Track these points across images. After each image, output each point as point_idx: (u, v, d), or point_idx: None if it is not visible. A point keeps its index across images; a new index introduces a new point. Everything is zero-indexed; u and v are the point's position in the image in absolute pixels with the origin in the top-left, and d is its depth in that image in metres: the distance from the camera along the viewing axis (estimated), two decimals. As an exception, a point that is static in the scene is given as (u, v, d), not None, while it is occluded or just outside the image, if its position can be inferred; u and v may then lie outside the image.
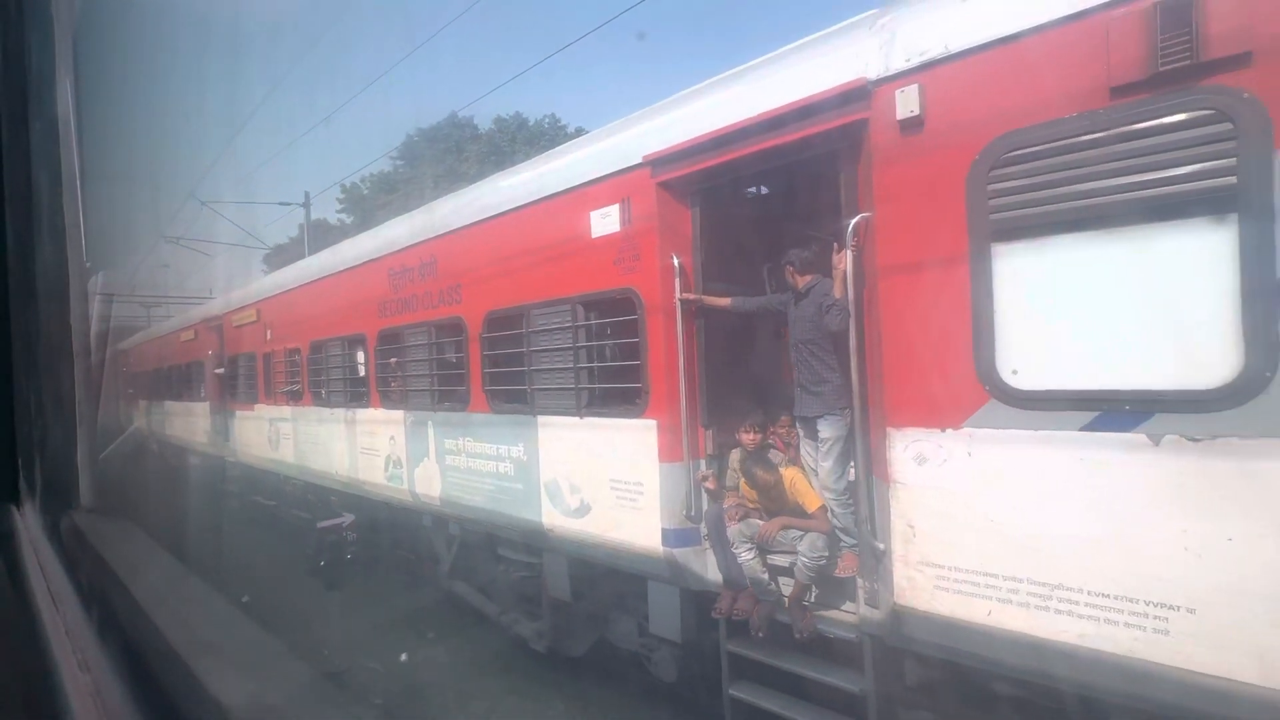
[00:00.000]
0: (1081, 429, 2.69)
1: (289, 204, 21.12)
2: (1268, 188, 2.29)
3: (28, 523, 2.62)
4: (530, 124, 33.17)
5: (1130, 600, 2.60)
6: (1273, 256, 2.29)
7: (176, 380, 15.16)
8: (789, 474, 3.93)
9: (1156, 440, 2.53)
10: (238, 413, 11.63)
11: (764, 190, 5.31)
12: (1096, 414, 2.66)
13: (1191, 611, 2.48)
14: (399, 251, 6.94)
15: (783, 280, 4.12)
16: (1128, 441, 2.59)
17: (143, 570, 2.32)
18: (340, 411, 8.21)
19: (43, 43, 2.72)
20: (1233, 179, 2.35)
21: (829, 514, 3.80)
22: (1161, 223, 2.51)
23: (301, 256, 12.42)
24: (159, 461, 16.66)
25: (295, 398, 9.36)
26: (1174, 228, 2.48)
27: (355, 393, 7.95)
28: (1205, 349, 2.43)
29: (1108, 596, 2.65)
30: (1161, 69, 2.45)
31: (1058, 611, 2.77)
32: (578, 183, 4.87)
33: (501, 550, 6.10)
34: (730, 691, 4.18)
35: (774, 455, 4.28)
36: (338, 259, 8.42)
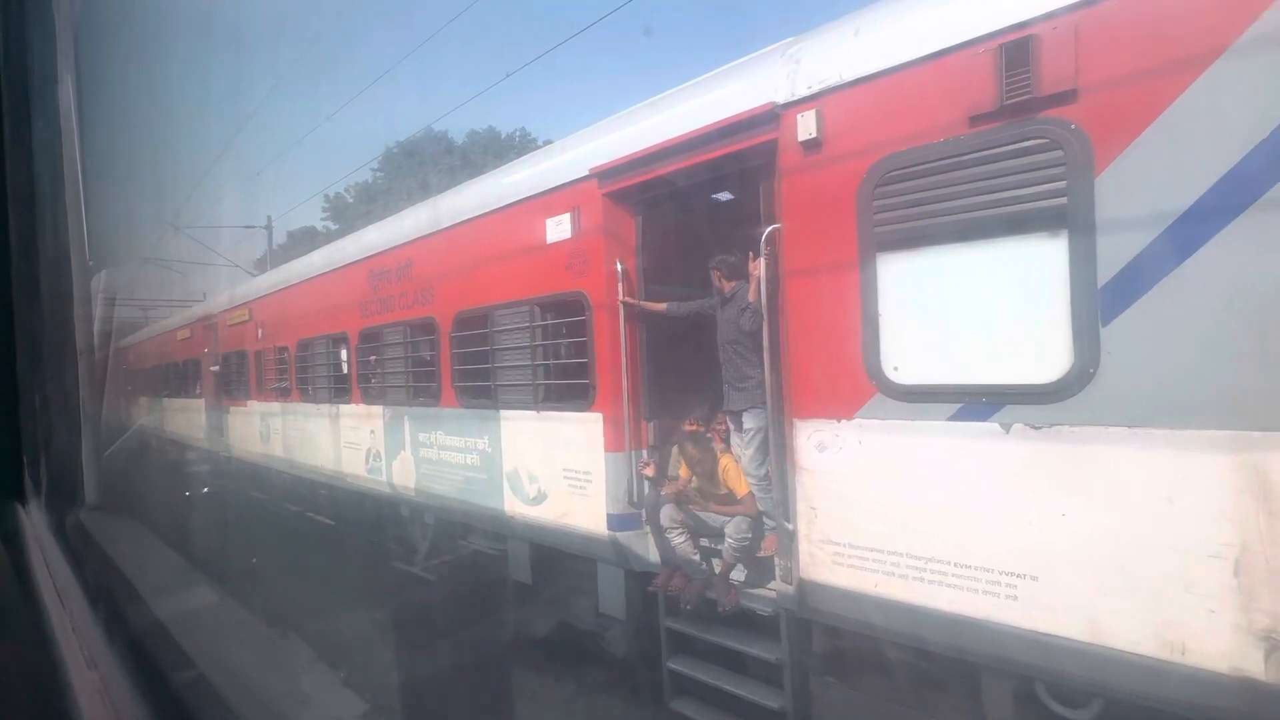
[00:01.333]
0: (948, 419, 3.03)
1: (253, 226, 21.78)
2: (1090, 208, 2.62)
3: (33, 520, 2.62)
4: (502, 136, 34.54)
5: (987, 570, 2.94)
6: (1094, 268, 2.62)
7: (174, 377, 15.57)
8: (724, 461, 4.27)
9: (1007, 428, 2.87)
10: (231, 409, 12.01)
11: (724, 197, 5.64)
12: (960, 405, 3.00)
13: (1035, 579, 2.82)
14: (378, 255, 7.30)
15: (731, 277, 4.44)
16: (984, 430, 2.93)
17: (147, 567, 2.37)
18: (325, 407, 8.58)
19: (45, 42, 2.79)
20: (1064, 199, 2.68)
21: (755, 499, 4.14)
22: (1009, 237, 2.84)
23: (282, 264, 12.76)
24: (159, 458, 17.04)
25: (284, 394, 9.74)
26: (1018, 242, 2.82)
27: (339, 389, 8.32)
28: (1043, 348, 2.77)
29: (969, 567, 2.99)
30: (1007, 102, 2.79)
31: (930, 582, 3.11)
32: (535, 192, 5.22)
33: (472, 538, 6.46)
34: (669, 664, 4.53)
35: (715, 445, 4.63)
36: (323, 260, 8.79)
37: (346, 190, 35.70)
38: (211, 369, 12.74)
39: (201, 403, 13.48)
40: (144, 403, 18.54)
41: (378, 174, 35.34)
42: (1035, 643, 2.83)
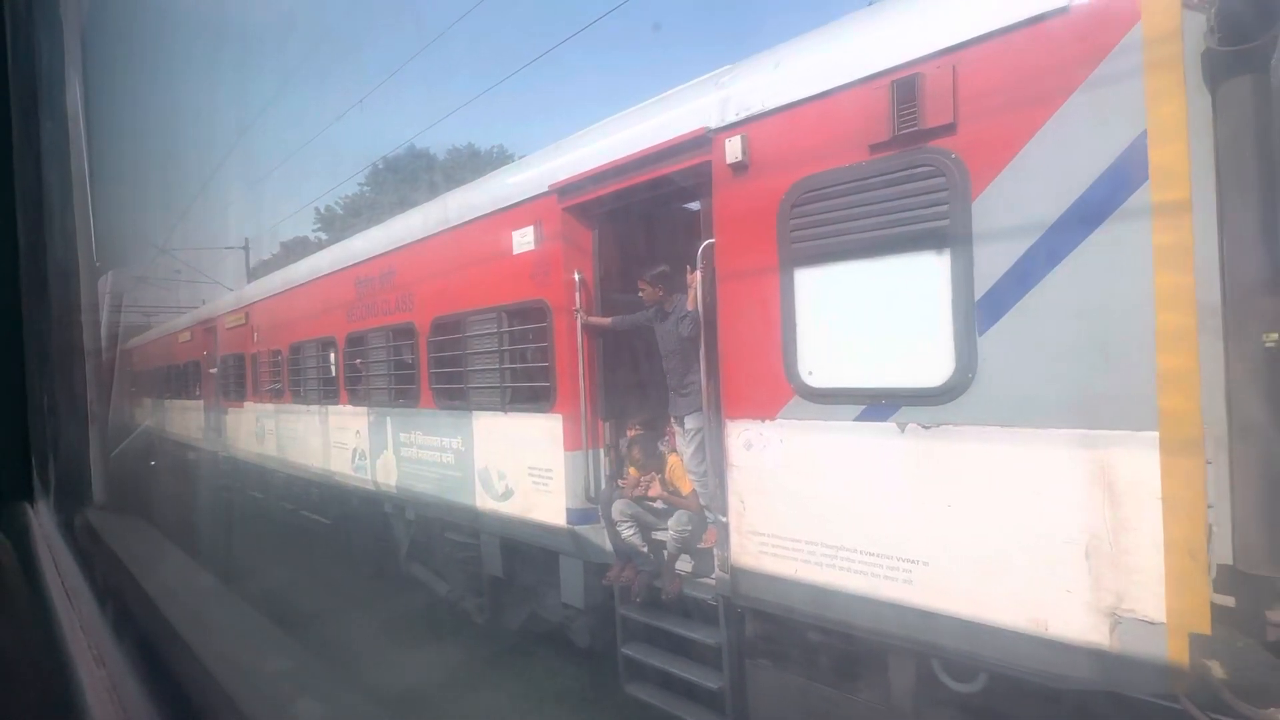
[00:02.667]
0: (854, 419, 3.33)
1: (231, 247, 22.43)
2: (968, 230, 2.92)
3: (41, 520, 2.62)
4: (481, 153, 35.70)
5: (887, 556, 3.23)
6: (971, 284, 2.92)
7: (175, 379, 15.96)
8: (671, 460, 4.58)
9: (902, 427, 3.16)
10: (229, 409, 12.37)
11: (676, 210, 5.94)
12: (864, 406, 3.29)
13: (926, 564, 3.11)
14: (363, 263, 7.64)
15: (668, 291, 4.73)
16: (884, 429, 3.22)
17: (156, 566, 2.37)
18: (315, 408, 8.92)
19: (53, 46, 2.78)
20: (946, 221, 2.98)
21: (698, 496, 4.44)
22: (903, 254, 3.14)
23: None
24: (164, 458, 17.40)
25: (278, 395, 10.09)
26: (911, 259, 3.12)
27: (327, 391, 8.65)
28: (931, 355, 3.06)
29: (873, 554, 3.28)
30: (899, 133, 3.09)
31: (840, 568, 3.40)
32: (503, 205, 5.54)
33: (449, 534, 6.78)
34: (623, 650, 4.83)
35: (663, 446, 4.93)
36: (312, 268, 9.14)
37: (336, 203, 37.26)
38: (210, 371, 13.11)
39: (201, 403, 13.84)
40: (148, 403, 18.95)
41: (364, 188, 36.97)
42: (929, 622, 3.12)
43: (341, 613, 7.60)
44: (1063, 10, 2.66)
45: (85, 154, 2.82)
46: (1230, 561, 3.06)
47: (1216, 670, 2.60)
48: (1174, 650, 2.49)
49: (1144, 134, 2.49)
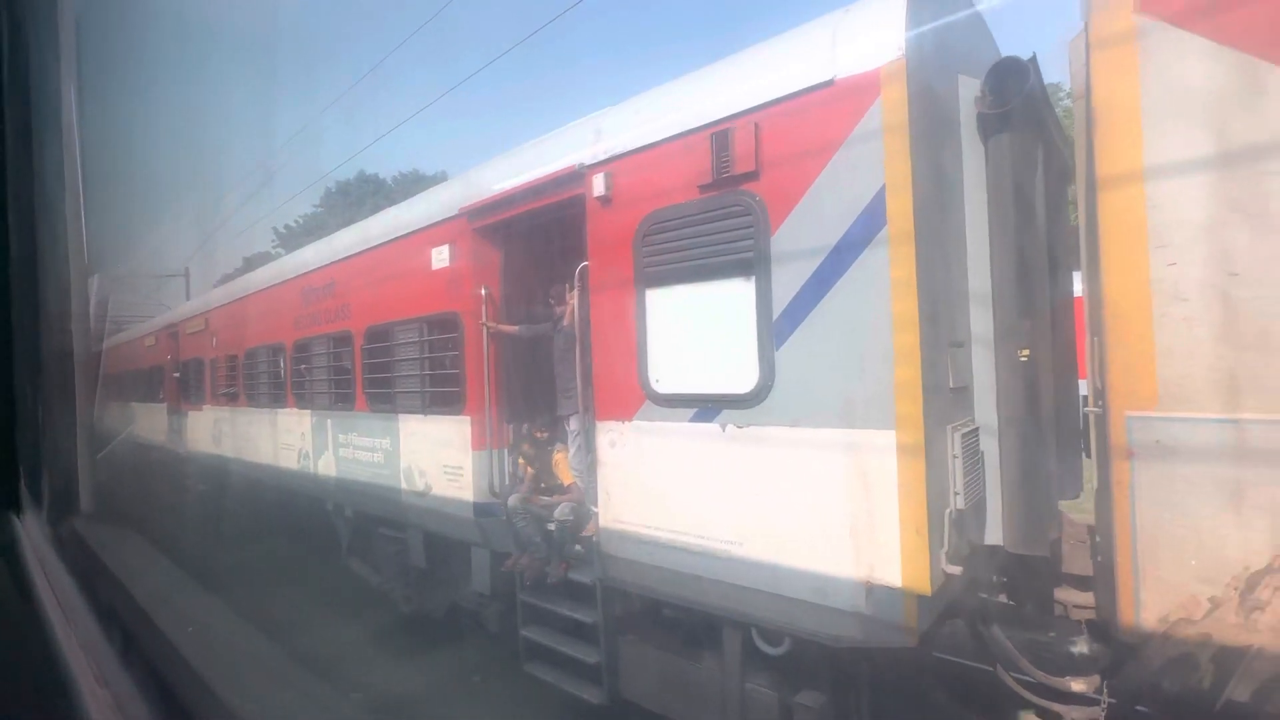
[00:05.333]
0: (689, 421, 3.85)
1: (172, 275, 22.92)
2: (768, 260, 3.46)
3: (29, 531, 2.55)
4: (426, 177, 37.03)
5: (714, 541, 3.74)
6: (770, 306, 3.45)
7: (140, 383, 16.23)
8: (557, 457, 5.07)
9: (723, 428, 3.69)
10: (189, 412, 12.71)
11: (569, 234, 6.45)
12: (696, 410, 3.82)
13: (740, 545, 3.62)
14: (310, 273, 8.09)
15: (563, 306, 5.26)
16: (709, 429, 3.74)
17: (149, 579, 2.35)
18: (266, 412, 9.33)
19: (48, 52, 2.77)
20: (752, 253, 3.51)
21: (580, 488, 4.94)
22: (723, 280, 3.67)
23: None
24: (144, 463, 17.52)
25: (234, 399, 10.47)
26: (729, 284, 3.65)
27: (276, 395, 9.07)
28: (744, 366, 3.59)
29: (703, 539, 3.79)
30: (718, 176, 3.63)
31: (681, 552, 3.91)
32: (425, 224, 6.04)
33: (382, 529, 7.22)
34: (522, 633, 5.30)
35: (549, 444, 5.44)
36: (268, 276, 9.57)
37: (296, 221, 38.38)
38: (173, 375, 13.44)
39: (165, 407, 14.14)
40: (123, 408, 19.10)
41: (318, 209, 38.25)
42: (745, 596, 3.63)
43: (288, 602, 7.97)
44: (828, 83, 3.21)
45: (79, 160, 2.83)
46: (1000, 543, 3.63)
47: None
48: (908, 611, 3.02)
49: (884, 187, 3.04)
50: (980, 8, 4.29)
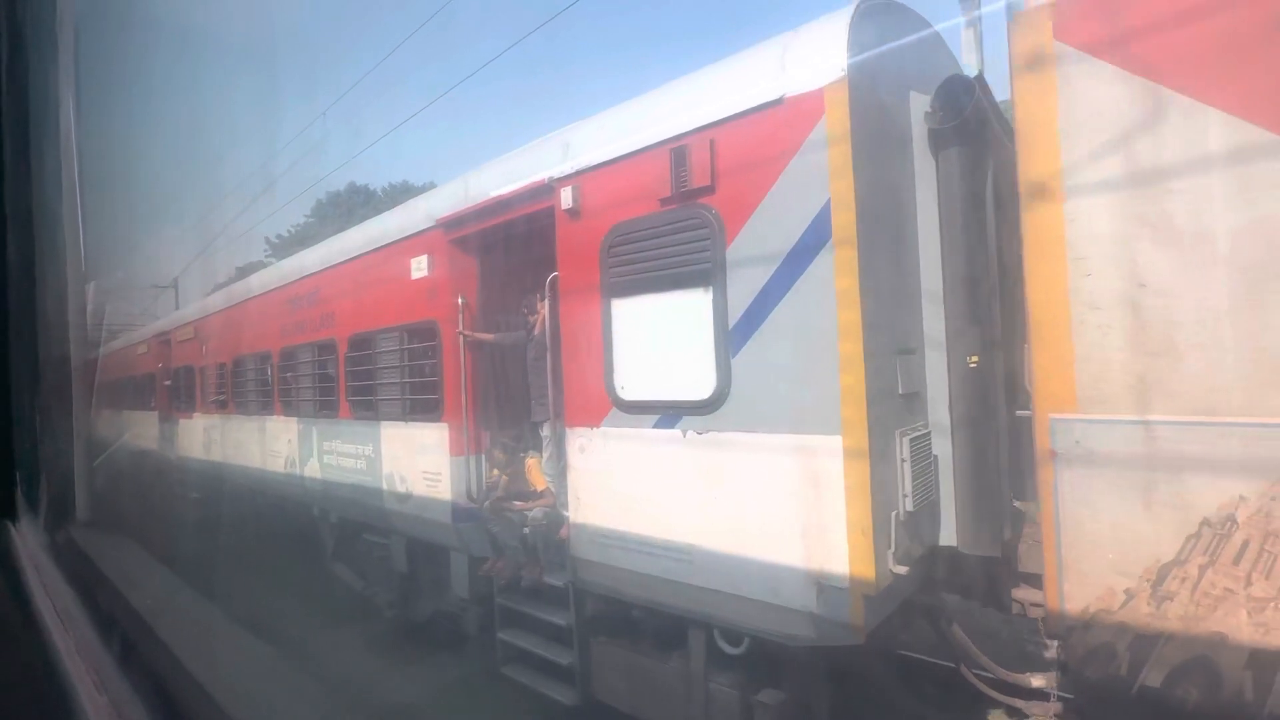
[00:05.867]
0: (652, 427, 3.97)
1: (162, 286, 23.03)
2: (724, 271, 3.59)
3: (25, 539, 2.56)
4: (415, 188, 37.69)
5: (676, 543, 3.86)
6: (726, 315, 3.58)
7: (134, 391, 16.30)
8: (529, 462, 5.19)
9: (684, 434, 3.81)
10: (180, 420, 12.79)
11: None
12: (659, 416, 3.94)
13: (701, 548, 3.74)
14: (295, 282, 8.21)
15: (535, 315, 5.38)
16: (671, 435, 3.86)
17: (146, 586, 2.33)
18: (254, 419, 9.43)
19: (45, 58, 2.79)
20: (709, 265, 3.65)
21: (553, 493, 5.06)
22: (683, 290, 3.80)
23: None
24: (139, 471, 17.52)
25: (223, 406, 10.56)
26: (688, 294, 3.78)
27: (263, 402, 9.17)
28: (703, 373, 3.71)
29: (667, 542, 3.91)
30: (677, 190, 3.76)
31: (646, 554, 4.02)
32: (405, 235, 6.16)
33: (366, 534, 7.32)
34: (499, 635, 5.40)
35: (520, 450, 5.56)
36: (255, 285, 9.69)
37: (289, 230, 38.92)
38: (165, 383, 13.52)
39: (156, 414, 14.21)
40: (118, 415, 19.12)
41: (310, 219, 38.86)
42: (706, 597, 3.75)
43: (275, 609, 8.03)
44: (778, 101, 3.35)
45: (77, 168, 2.84)
46: (954, 544, 3.75)
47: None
48: (854, 610, 3.14)
49: (829, 200, 3.18)
50: (940, 27, 4.45)
